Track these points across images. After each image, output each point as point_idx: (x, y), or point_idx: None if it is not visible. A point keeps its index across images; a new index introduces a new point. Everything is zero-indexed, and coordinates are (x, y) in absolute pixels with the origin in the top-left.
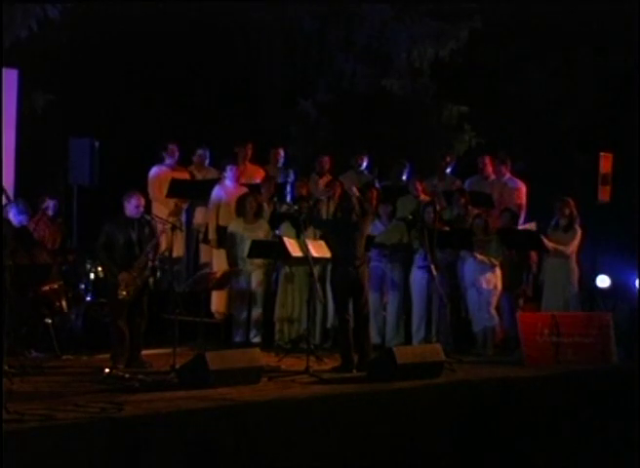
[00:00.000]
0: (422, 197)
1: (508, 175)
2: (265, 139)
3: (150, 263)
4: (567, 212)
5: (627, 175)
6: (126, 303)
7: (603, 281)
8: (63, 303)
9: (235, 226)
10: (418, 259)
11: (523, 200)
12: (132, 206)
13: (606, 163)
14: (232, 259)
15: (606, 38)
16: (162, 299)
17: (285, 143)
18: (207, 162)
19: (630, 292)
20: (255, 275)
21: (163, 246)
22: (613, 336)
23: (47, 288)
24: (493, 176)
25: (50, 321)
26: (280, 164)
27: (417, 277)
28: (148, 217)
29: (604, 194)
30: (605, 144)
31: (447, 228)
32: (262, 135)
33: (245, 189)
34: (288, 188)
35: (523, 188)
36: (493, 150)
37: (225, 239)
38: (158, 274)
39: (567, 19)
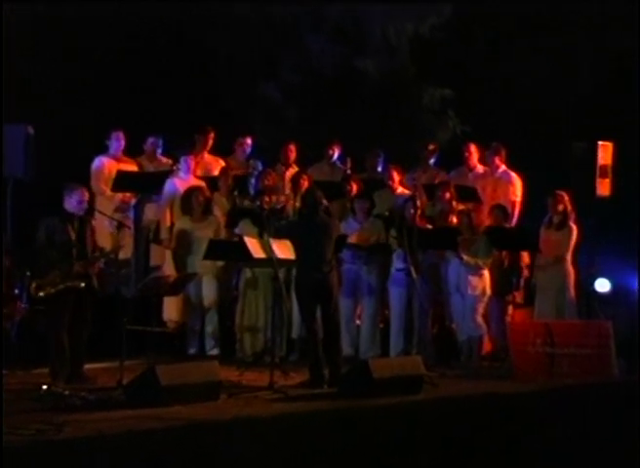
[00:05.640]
0: (400, 190)
1: (503, 167)
2: (222, 126)
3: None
4: (560, 207)
5: (629, 166)
6: (67, 311)
7: (602, 285)
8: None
9: (182, 225)
10: (396, 261)
11: (518, 196)
12: (74, 201)
13: (605, 153)
14: (179, 261)
15: (605, 16)
16: (108, 307)
17: (246, 131)
18: (159, 151)
19: (633, 297)
20: (206, 279)
21: (108, 246)
22: (613, 347)
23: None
24: (479, 167)
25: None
26: (247, 154)
27: (395, 281)
28: (97, 215)
29: (603, 188)
30: (604, 132)
31: (429, 226)
32: (218, 120)
33: (201, 182)
34: (253, 181)
35: (518, 183)
36: (479, 138)
37: (171, 238)
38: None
39: None
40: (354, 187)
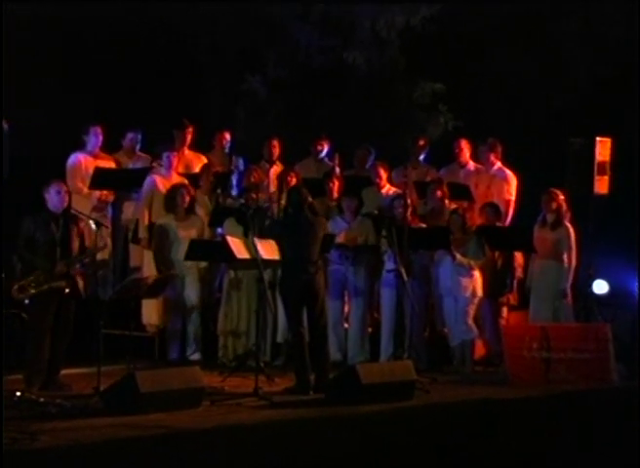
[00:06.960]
0: (387, 187)
1: (498, 164)
2: (206, 121)
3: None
4: (554, 206)
5: (628, 163)
6: (50, 314)
7: (600, 287)
8: None
9: (164, 223)
10: (387, 262)
11: (512, 195)
12: (52, 195)
13: (603, 149)
14: (161, 261)
15: (603, 5)
16: (84, 309)
17: (230, 126)
18: (138, 147)
19: (632, 299)
20: (188, 280)
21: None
22: (612, 351)
23: None
24: (471, 164)
25: None
26: (226, 150)
27: (386, 282)
28: (74, 212)
29: (601, 185)
30: (602, 128)
31: (423, 225)
32: (203, 115)
33: (182, 180)
34: (234, 179)
35: (514, 182)
36: (472, 134)
37: (153, 237)
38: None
39: None
40: (336, 185)
